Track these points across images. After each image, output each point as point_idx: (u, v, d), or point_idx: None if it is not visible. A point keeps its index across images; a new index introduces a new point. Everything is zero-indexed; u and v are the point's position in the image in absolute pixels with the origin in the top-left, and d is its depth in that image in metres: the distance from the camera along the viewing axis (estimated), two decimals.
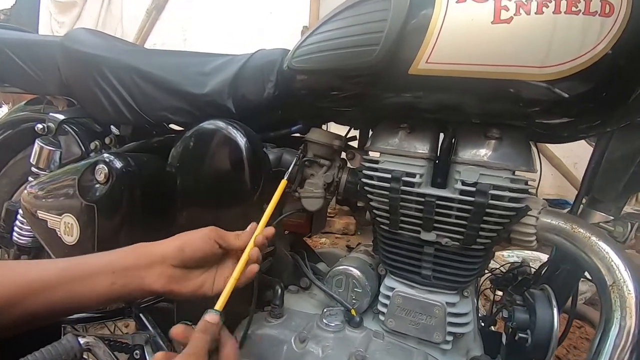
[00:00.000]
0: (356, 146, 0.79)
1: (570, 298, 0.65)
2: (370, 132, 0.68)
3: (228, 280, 0.49)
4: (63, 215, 0.65)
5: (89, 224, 0.63)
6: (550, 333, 0.50)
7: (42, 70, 0.84)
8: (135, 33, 2.88)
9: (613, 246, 0.48)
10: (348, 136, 0.79)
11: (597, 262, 0.47)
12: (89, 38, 0.74)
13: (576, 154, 2.03)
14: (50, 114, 0.81)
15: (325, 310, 0.61)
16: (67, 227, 0.65)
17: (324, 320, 0.59)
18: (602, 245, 0.48)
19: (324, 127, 0.80)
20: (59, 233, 0.66)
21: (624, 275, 0.45)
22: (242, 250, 0.51)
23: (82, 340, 0.44)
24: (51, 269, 0.44)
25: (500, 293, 0.74)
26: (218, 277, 0.51)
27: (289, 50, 0.67)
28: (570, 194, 2.12)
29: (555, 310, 0.51)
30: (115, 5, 3.09)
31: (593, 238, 0.49)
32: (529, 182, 0.53)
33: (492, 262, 0.67)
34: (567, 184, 2.07)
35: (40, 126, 0.79)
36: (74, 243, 0.65)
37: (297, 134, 0.74)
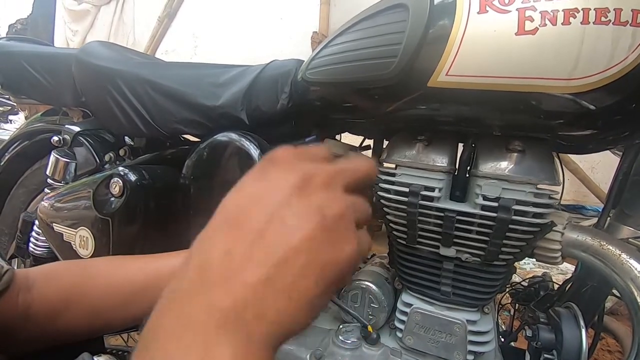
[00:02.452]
0: (370, 155, 0.78)
1: (597, 315, 0.62)
2: (385, 142, 0.67)
3: None
4: (78, 229, 0.66)
5: (104, 237, 0.63)
6: (579, 355, 0.48)
7: (58, 82, 0.85)
8: (147, 40, 2.92)
9: None
10: (362, 145, 0.78)
11: (629, 282, 0.45)
12: (103, 51, 0.74)
13: (593, 159, 1.98)
14: (66, 126, 0.82)
15: (341, 326, 0.60)
16: (82, 241, 0.65)
17: (340, 337, 0.58)
18: (634, 263, 0.46)
19: (337, 136, 0.80)
20: (74, 246, 0.66)
21: None
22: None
23: (97, 359, 0.44)
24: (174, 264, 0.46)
25: (520, 307, 0.71)
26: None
27: (303, 61, 0.67)
28: (587, 199, 2.06)
29: (583, 331, 0.49)
30: (127, 13, 3.14)
31: (623, 256, 0.47)
32: (553, 195, 0.51)
33: None
34: (585, 189, 2.02)
35: (56, 138, 0.80)
36: (88, 256, 0.65)
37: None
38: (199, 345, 0.20)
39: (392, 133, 0.62)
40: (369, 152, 0.80)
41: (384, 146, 0.65)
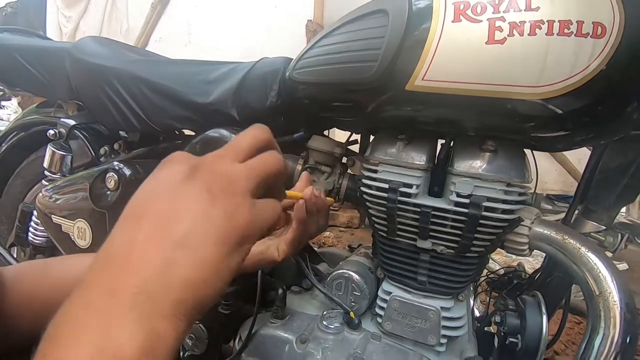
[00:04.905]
0: (357, 149, 0.81)
1: (565, 300, 0.67)
2: (372, 138, 0.70)
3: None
4: (76, 221, 0.69)
5: (101, 229, 0.66)
6: (539, 339, 0.52)
7: (52, 76, 0.86)
8: (141, 27, 2.89)
9: (602, 258, 0.49)
10: (349, 140, 0.80)
11: (586, 273, 0.49)
12: (96, 48, 0.76)
13: (580, 150, 2.01)
14: (61, 119, 0.84)
15: (325, 312, 0.64)
16: (80, 232, 0.68)
17: (324, 322, 0.62)
18: (591, 256, 0.50)
19: (326, 132, 0.82)
20: (72, 237, 0.70)
21: (610, 286, 0.47)
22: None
23: None
24: None
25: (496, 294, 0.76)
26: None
27: (291, 59, 0.69)
28: (574, 189, 2.11)
29: (544, 317, 0.53)
30: None
31: (583, 249, 0.50)
32: (522, 192, 0.54)
33: (492, 262, 0.69)
34: (572, 180, 2.07)
35: (52, 132, 0.82)
36: (86, 247, 0.68)
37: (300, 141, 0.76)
38: (101, 329, 0.21)
39: (378, 130, 0.65)
40: (356, 147, 0.83)
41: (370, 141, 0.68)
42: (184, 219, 0.25)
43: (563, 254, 0.52)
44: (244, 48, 2.51)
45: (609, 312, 0.46)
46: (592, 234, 0.57)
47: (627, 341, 0.46)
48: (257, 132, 0.32)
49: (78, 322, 0.22)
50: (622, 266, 1.61)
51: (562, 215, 0.63)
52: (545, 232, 0.54)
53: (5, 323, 0.42)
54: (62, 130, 0.82)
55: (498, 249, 0.60)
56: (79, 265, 0.47)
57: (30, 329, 0.42)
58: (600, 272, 0.48)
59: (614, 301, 0.46)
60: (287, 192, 0.43)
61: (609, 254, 0.55)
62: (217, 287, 0.25)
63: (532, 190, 0.59)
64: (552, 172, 2.12)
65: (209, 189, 0.26)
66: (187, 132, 0.82)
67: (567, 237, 0.52)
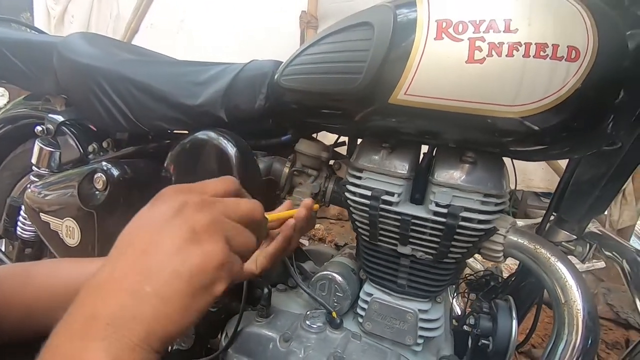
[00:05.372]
0: (345, 151, 0.82)
1: (537, 303, 0.70)
2: (359, 141, 0.72)
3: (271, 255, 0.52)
4: (65, 219, 0.70)
5: (90, 228, 0.67)
6: (509, 342, 0.55)
7: (39, 71, 0.85)
8: (132, 12, 2.82)
9: (570, 268, 0.52)
10: (337, 143, 0.82)
11: (554, 282, 0.52)
12: (84, 47, 0.75)
13: None
14: (49, 115, 0.83)
15: (308, 312, 0.66)
16: (69, 230, 0.69)
17: (307, 322, 0.64)
18: (560, 266, 0.52)
19: (314, 134, 0.83)
20: (61, 235, 0.70)
21: (576, 295, 0.50)
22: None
23: None
24: None
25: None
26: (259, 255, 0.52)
27: (280, 62, 0.70)
28: None
29: (514, 322, 0.56)
30: None
31: (553, 259, 0.53)
32: (499, 202, 0.57)
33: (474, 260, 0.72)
34: (557, 178, 2.11)
35: (39, 128, 0.82)
36: (75, 245, 0.69)
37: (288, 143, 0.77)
38: (74, 353, 0.23)
39: (363, 135, 0.66)
40: (343, 149, 0.84)
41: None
42: (160, 253, 0.27)
43: (534, 263, 0.55)
44: (237, 36, 2.48)
45: (572, 319, 0.49)
46: (563, 243, 0.59)
47: (588, 345, 0.49)
48: (252, 208, 0.34)
49: (58, 345, 0.24)
50: (600, 264, 1.66)
51: None
52: (519, 241, 0.57)
53: None
54: (50, 126, 0.82)
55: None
56: (65, 270, 0.48)
57: (12, 331, 0.43)
58: (567, 281, 0.51)
59: (578, 309, 0.49)
60: (269, 215, 0.45)
61: (577, 262, 0.57)
62: (184, 324, 0.26)
63: (508, 199, 0.62)
64: (538, 170, 2.16)
65: (193, 228, 0.28)
66: (176, 131, 0.83)
67: (538, 247, 0.55)
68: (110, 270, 0.26)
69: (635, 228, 2.17)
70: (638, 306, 0.53)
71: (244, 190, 0.36)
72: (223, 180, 0.35)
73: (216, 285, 0.28)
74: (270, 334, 0.64)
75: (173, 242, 0.27)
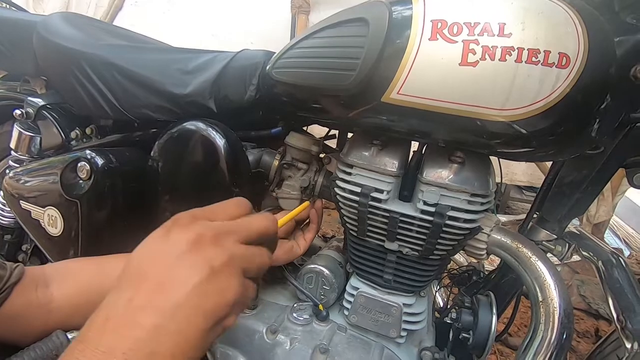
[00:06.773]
0: (335, 143, 0.82)
1: (516, 297, 0.73)
2: (350, 134, 0.72)
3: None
4: (46, 208, 0.68)
5: (73, 218, 0.65)
6: (488, 336, 0.58)
7: (18, 51, 0.81)
8: None
9: (549, 267, 0.54)
10: (328, 135, 0.81)
11: (533, 280, 0.54)
12: (65, 28, 0.72)
13: None
14: (29, 98, 0.80)
15: (295, 304, 0.67)
16: (51, 219, 0.67)
17: (294, 314, 0.65)
18: (540, 265, 0.54)
19: (305, 127, 0.83)
20: (42, 224, 0.69)
21: (553, 293, 0.52)
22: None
23: (70, 336, 0.48)
24: None
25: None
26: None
27: (272, 53, 0.68)
28: (541, 181, 2.21)
29: (494, 317, 0.58)
30: None
31: (533, 258, 0.55)
32: (485, 202, 0.58)
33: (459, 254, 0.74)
34: (539, 173, 2.17)
35: (18, 112, 0.78)
36: (58, 235, 0.67)
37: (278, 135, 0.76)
38: None
39: (354, 130, 0.66)
40: (333, 142, 0.84)
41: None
42: (179, 289, 0.26)
43: (516, 261, 0.57)
44: (226, 19, 2.41)
45: (549, 317, 0.51)
46: (544, 242, 0.61)
47: (562, 341, 0.52)
48: (266, 226, 0.34)
49: None
50: (575, 257, 1.73)
51: (530, 204, 0.67)
52: (502, 239, 0.58)
53: (60, 317, 0.45)
54: (30, 110, 0.79)
55: None
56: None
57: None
58: (545, 280, 0.53)
59: (555, 307, 0.51)
60: (280, 220, 0.50)
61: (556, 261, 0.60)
62: (197, 357, 0.27)
63: (493, 198, 0.63)
64: (522, 164, 2.21)
65: (211, 264, 0.28)
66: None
67: (520, 246, 0.57)
68: (125, 303, 0.26)
69: (610, 222, 2.26)
70: (610, 303, 0.56)
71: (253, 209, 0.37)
72: (236, 204, 0.35)
73: (230, 318, 0.29)
74: (256, 325, 0.65)
75: (191, 279, 0.27)
